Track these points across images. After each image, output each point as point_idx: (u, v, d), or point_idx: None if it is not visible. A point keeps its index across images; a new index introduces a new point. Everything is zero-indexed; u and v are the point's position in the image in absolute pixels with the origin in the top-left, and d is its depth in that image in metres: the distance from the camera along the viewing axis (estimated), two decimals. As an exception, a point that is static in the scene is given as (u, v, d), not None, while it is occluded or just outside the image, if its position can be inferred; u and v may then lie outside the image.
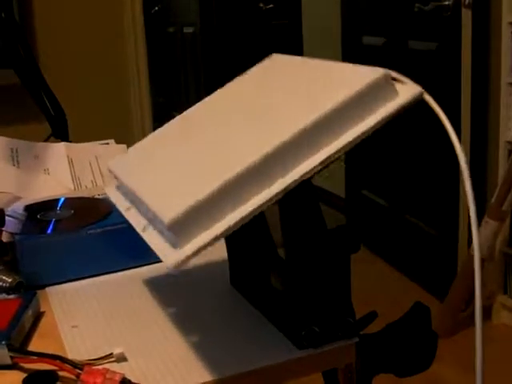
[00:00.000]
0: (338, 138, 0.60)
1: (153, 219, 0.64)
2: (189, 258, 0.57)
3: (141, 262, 0.90)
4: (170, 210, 0.58)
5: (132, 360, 0.69)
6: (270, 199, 0.58)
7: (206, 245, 0.57)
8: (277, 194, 0.58)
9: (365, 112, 0.61)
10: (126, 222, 0.87)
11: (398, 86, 0.63)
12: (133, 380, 0.63)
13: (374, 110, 0.61)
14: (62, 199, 0.98)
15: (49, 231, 0.88)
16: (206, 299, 0.82)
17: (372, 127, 0.60)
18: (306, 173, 0.59)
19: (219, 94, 0.82)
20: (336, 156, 0.60)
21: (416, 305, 0.82)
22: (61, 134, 1.44)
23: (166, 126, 0.81)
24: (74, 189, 1.15)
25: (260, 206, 0.58)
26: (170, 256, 0.58)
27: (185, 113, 0.82)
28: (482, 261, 2.40)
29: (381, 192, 3.18)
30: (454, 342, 2.43)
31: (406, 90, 0.62)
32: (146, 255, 0.90)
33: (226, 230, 0.57)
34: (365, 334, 0.75)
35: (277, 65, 0.82)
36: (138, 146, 0.81)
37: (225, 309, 0.80)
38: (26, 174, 1.16)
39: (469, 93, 2.46)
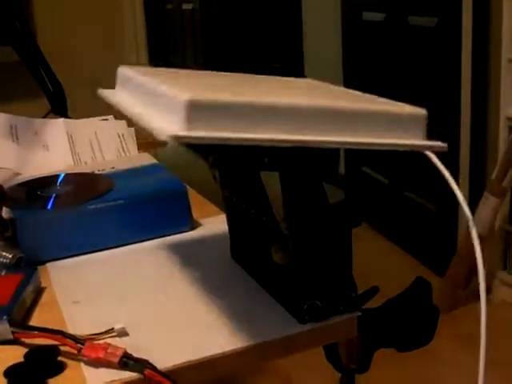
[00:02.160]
0: (364, 136, 0.60)
1: (160, 104, 0.59)
2: (189, 137, 0.53)
3: (141, 237, 0.90)
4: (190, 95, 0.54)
5: (133, 335, 0.69)
6: (283, 141, 0.57)
7: (207, 138, 0.54)
8: (285, 141, 0.57)
9: (394, 132, 0.62)
10: (126, 197, 0.88)
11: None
12: (134, 355, 0.63)
13: (402, 136, 0.62)
14: (62, 175, 0.97)
15: (49, 207, 0.87)
16: (207, 273, 0.82)
17: (390, 145, 0.61)
18: (319, 142, 0.58)
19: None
20: (343, 146, 0.60)
21: (417, 280, 0.82)
22: (60, 110, 1.43)
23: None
24: (74, 165, 1.15)
25: (267, 140, 0.56)
26: (169, 128, 0.54)
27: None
28: (482, 237, 2.40)
29: (380, 169, 3.18)
30: (453, 318, 2.44)
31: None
32: (147, 230, 0.90)
33: (230, 139, 0.55)
34: (366, 308, 0.74)
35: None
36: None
37: (226, 282, 0.79)
38: (26, 150, 1.16)
39: (469, 68, 2.44)
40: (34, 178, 1.00)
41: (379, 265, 2.82)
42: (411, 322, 0.80)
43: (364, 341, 0.77)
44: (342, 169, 3.44)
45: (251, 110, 0.56)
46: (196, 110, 0.54)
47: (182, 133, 0.53)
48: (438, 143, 0.64)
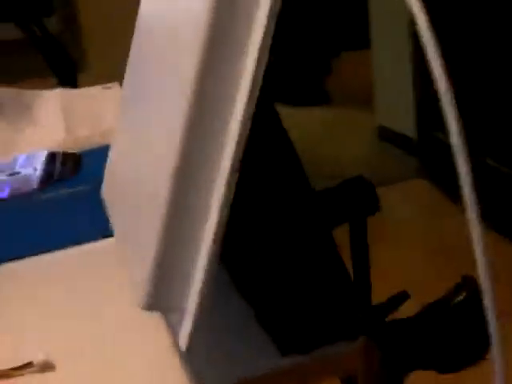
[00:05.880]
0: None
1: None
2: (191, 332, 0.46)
3: (94, 235, 0.72)
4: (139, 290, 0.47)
5: (61, 367, 0.54)
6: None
7: (202, 302, 0.45)
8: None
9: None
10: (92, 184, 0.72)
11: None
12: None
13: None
14: (24, 157, 0.84)
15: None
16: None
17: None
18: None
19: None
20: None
21: (463, 280, 0.69)
22: (69, 82, 1.36)
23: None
24: (65, 139, 1.04)
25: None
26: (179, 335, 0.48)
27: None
28: None
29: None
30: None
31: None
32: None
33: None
34: (394, 319, 0.65)
35: None
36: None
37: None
38: (11, 126, 1.08)
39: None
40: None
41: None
42: (456, 335, 0.68)
43: (391, 363, 0.64)
44: (413, 133, 3.34)
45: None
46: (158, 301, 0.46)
47: (186, 335, 0.48)
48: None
